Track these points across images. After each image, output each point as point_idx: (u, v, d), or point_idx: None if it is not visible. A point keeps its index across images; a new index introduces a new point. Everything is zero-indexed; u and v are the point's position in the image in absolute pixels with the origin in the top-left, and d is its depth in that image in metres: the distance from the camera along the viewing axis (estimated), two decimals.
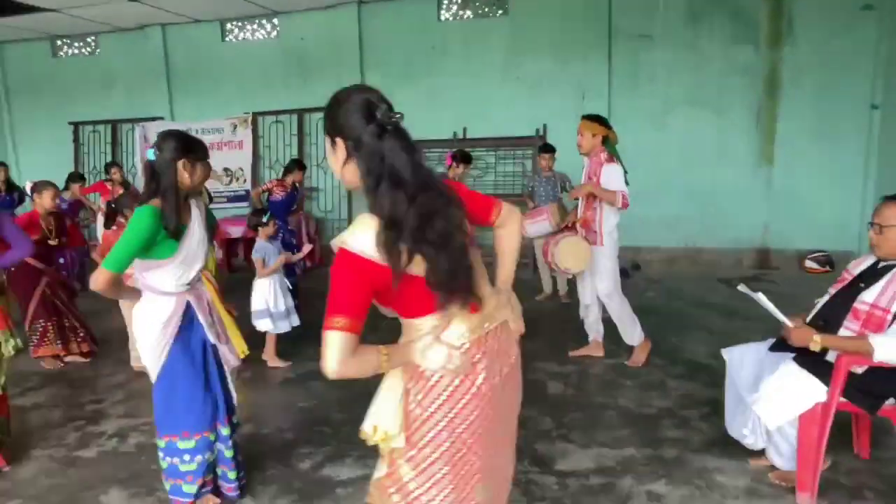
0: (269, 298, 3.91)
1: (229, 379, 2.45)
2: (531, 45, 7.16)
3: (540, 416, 3.18)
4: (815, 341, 2.23)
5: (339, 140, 1.32)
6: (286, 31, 8.10)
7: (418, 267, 1.28)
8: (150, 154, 2.23)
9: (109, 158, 8.80)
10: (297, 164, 5.59)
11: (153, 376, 2.31)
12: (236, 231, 7.31)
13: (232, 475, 2.48)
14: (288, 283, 4.11)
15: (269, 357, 4.02)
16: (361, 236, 1.25)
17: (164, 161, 2.18)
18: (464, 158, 5.17)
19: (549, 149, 5.81)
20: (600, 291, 3.81)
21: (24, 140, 9.42)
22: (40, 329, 4.23)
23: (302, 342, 4.12)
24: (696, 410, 3.23)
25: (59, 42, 9.09)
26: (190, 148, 2.24)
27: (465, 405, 1.36)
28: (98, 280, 2.08)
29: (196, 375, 2.31)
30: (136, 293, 2.32)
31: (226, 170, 8.37)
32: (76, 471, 2.86)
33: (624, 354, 3.99)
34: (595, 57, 6.95)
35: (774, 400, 2.30)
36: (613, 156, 3.72)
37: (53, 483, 2.76)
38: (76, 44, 9.03)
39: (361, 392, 1.59)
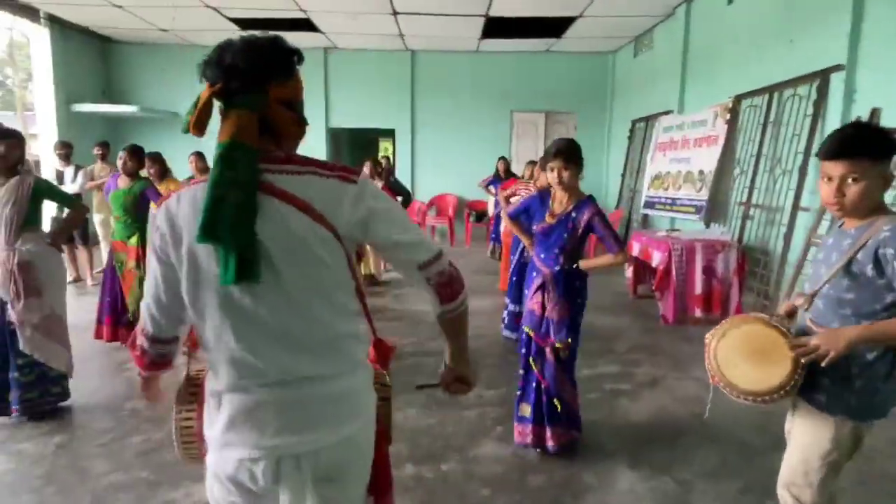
0: None
1: (17, 329, 3.11)
2: None
3: None
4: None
5: None
6: None
7: None
8: None
9: (638, 150, 8.69)
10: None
11: None
12: (658, 257, 5.49)
13: (20, 397, 3.19)
14: None
15: None
16: None
17: None
18: None
19: None
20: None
21: (614, 138, 10.43)
22: None
23: None
24: None
25: (637, 46, 9.42)
26: None
27: None
28: None
29: None
30: None
31: (700, 172, 6.61)
32: None
33: None
34: None
35: None
36: None
37: None
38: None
39: None
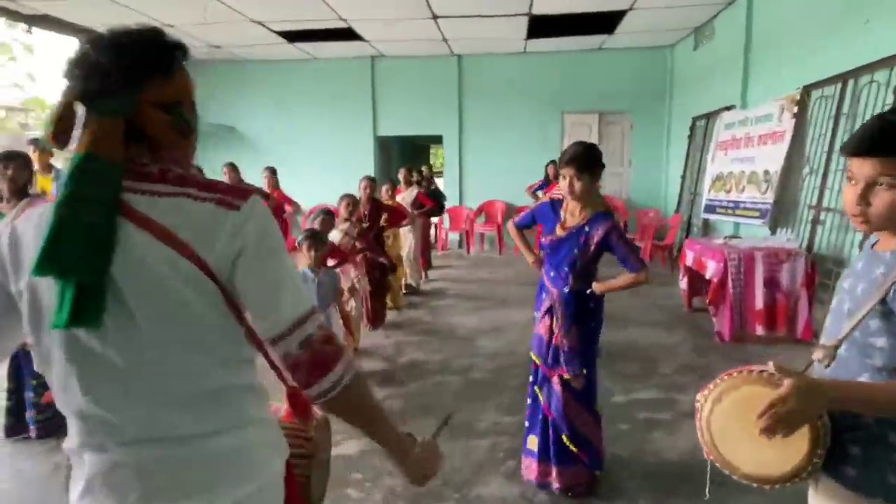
0: None
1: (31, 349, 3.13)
2: None
3: None
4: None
5: None
6: None
7: None
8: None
9: (699, 149, 8.05)
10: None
11: None
12: (712, 267, 4.90)
13: (35, 418, 3.19)
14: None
15: None
16: None
17: None
18: None
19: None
20: None
21: (673, 138, 9.74)
22: None
23: None
24: None
25: (697, 37, 8.75)
26: None
27: None
28: None
29: None
30: None
31: (765, 173, 5.97)
32: None
33: None
34: None
35: None
36: None
37: None
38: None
39: None
